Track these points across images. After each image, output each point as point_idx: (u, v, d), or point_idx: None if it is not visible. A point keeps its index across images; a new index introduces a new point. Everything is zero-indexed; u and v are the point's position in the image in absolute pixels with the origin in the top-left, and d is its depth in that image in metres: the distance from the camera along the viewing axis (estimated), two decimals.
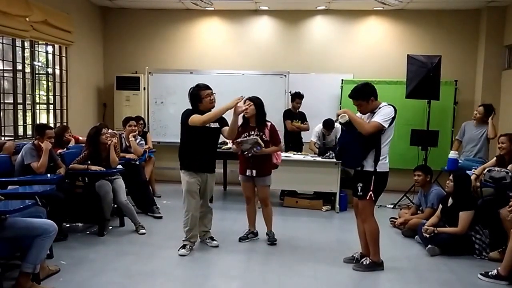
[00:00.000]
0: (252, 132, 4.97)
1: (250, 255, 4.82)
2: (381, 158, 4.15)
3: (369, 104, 4.19)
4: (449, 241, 4.87)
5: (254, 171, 5.00)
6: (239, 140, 4.89)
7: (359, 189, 4.27)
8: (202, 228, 5.05)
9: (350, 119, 4.16)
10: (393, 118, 4.13)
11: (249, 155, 4.90)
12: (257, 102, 5.00)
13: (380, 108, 4.17)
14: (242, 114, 4.77)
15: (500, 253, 4.67)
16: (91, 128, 5.67)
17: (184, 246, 4.77)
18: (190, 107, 4.76)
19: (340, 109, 8.19)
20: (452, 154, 5.94)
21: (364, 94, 4.19)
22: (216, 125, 4.73)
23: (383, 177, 4.22)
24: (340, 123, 4.26)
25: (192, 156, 4.72)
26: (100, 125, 5.77)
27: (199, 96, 4.67)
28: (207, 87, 4.73)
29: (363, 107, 4.24)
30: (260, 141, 4.87)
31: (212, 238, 5.08)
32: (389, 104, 4.20)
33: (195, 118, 4.54)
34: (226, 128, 4.75)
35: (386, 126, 4.07)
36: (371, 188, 4.19)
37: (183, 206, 4.81)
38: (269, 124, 5.10)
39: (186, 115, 4.65)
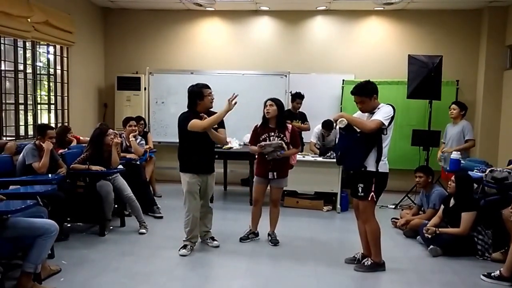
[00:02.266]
0: (272, 134, 4.98)
1: (251, 255, 4.81)
2: (382, 158, 4.15)
3: (371, 101, 4.17)
4: (451, 241, 4.86)
5: (275, 174, 5.01)
6: (262, 143, 4.90)
7: (360, 190, 4.25)
8: (202, 228, 5.05)
9: (348, 121, 4.13)
10: (392, 118, 4.13)
11: (270, 158, 4.90)
12: (278, 103, 5.01)
13: (379, 108, 4.17)
14: (262, 114, 4.97)
15: (502, 254, 4.66)
16: (95, 129, 5.67)
17: (185, 246, 4.77)
18: (188, 109, 4.77)
19: (341, 109, 8.29)
20: (455, 155, 5.93)
21: (367, 91, 4.18)
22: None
23: (383, 177, 4.21)
24: (340, 128, 4.21)
25: (192, 158, 4.73)
26: (104, 125, 5.78)
27: (202, 93, 4.66)
28: (208, 87, 4.76)
29: (365, 104, 4.21)
30: (284, 145, 4.88)
31: (213, 238, 5.07)
32: (388, 104, 4.20)
33: (196, 124, 4.54)
34: (222, 130, 4.78)
35: (386, 124, 4.06)
36: (372, 189, 4.18)
37: (184, 207, 4.81)
38: (289, 126, 5.11)
39: (183, 118, 4.66)
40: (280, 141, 4.89)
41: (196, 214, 4.81)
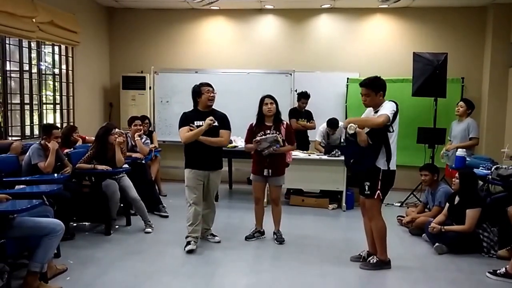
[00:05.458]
0: (268, 131, 4.99)
1: (256, 254, 4.82)
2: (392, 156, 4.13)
3: (376, 97, 4.16)
4: (456, 239, 4.84)
5: (270, 171, 5.01)
6: (257, 138, 4.92)
7: (367, 188, 4.24)
8: (203, 226, 5.10)
9: (357, 123, 4.09)
10: (396, 113, 4.10)
11: (266, 153, 4.91)
12: (276, 101, 5.06)
13: (383, 105, 4.15)
14: (257, 112, 5.04)
15: (508, 251, 4.65)
16: (101, 127, 5.70)
17: (189, 243, 4.81)
18: (192, 108, 4.95)
19: (346, 108, 8.29)
20: (460, 152, 5.91)
21: (375, 85, 4.17)
22: (215, 123, 4.80)
23: (390, 175, 4.19)
24: (350, 134, 4.12)
25: (192, 154, 4.84)
26: (110, 124, 5.80)
27: (200, 91, 4.83)
28: (208, 85, 4.89)
29: (370, 98, 4.19)
30: (279, 138, 4.89)
31: (213, 235, 5.14)
32: (390, 100, 4.19)
33: (180, 133, 4.81)
34: (223, 131, 4.87)
35: (391, 118, 4.03)
36: (379, 187, 4.17)
37: (186, 202, 4.88)
38: (285, 123, 5.13)
39: (180, 119, 4.87)
40: (274, 135, 4.90)
41: (197, 208, 4.85)
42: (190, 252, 4.72)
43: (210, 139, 4.76)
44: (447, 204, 5.19)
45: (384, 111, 4.04)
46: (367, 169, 4.23)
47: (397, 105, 4.14)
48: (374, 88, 4.17)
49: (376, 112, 4.19)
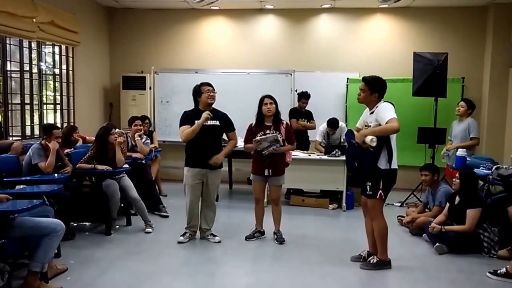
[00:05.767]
0: (268, 131, 5.00)
1: (257, 254, 4.81)
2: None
3: (371, 96, 4.18)
4: (457, 239, 4.83)
5: (270, 171, 5.01)
6: (258, 138, 4.93)
7: (368, 188, 4.23)
8: (203, 226, 5.15)
9: (372, 134, 4.05)
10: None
11: (266, 153, 4.91)
12: (275, 101, 5.08)
13: (378, 106, 4.15)
14: (257, 112, 5.10)
15: (509, 251, 4.65)
16: (101, 127, 5.70)
17: (184, 234, 5.01)
18: (193, 107, 5.03)
19: (346, 108, 8.29)
20: (460, 152, 5.91)
21: (374, 84, 4.18)
22: (216, 122, 4.90)
23: (392, 174, 4.18)
24: (372, 146, 4.04)
25: (192, 153, 4.95)
26: (110, 124, 5.80)
27: (200, 91, 4.91)
28: (208, 84, 4.97)
29: (364, 94, 4.21)
30: (279, 138, 4.91)
31: (213, 235, 5.16)
32: (385, 101, 4.20)
33: (180, 132, 4.90)
34: (231, 134, 5.09)
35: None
36: (380, 187, 4.16)
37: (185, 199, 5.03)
38: (284, 122, 5.15)
39: (181, 118, 4.97)
40: (274, 134, 4.91)
41: (193, 204, 5.01)
42: (179, 243, 4.95)
43: (228, 150, 5.05)
44: (448, 204, 5.18)
45: (389, 115, 4.01)
46: (369, 171, 4.22)
47: (393, 105, 4.15)
48: (371, 87, 4.18)
49: (372, 113, 4.20)
